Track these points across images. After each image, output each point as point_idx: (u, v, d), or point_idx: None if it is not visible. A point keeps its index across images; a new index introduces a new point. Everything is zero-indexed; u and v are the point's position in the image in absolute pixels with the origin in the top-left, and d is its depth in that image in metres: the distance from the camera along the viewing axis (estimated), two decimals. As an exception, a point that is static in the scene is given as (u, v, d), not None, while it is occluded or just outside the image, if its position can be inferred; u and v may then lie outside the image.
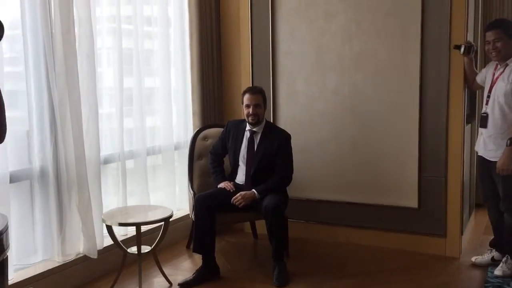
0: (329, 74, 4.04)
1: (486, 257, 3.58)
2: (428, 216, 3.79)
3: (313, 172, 4.13)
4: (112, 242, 3.26)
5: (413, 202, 3.82)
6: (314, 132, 4.12)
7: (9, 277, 2.71)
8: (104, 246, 3.41)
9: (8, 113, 2.87)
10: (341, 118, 4.02)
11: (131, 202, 3.75)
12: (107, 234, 3.22)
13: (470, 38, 3.79)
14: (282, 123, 4.14)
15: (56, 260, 3.17)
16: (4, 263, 2.13)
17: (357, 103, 3.96)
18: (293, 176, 3.64)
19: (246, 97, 3.55)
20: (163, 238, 3.27)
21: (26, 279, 2.92)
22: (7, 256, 2.16)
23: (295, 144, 3.76)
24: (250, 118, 3.54)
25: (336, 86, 4.02)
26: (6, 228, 2.08)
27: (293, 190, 3.84)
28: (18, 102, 3.09)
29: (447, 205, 3.72)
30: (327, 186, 4.11)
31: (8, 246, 2.12)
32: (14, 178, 2.95)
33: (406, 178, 3.83)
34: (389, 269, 3.56)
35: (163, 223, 3.22)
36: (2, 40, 2.80)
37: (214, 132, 4.03)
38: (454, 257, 3.72)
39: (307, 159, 4.11)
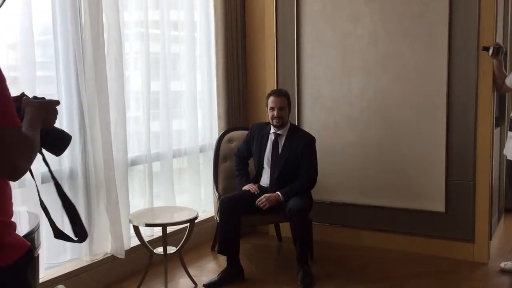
0: (354, 77, 4.03)
1: (515, 263, 3.51)
2: (455, 220, 3.73)
3: (338, 175, 4.12)
4: (139, 243, 3.33)
5: (440, 206, 3.76)
6: (339, 135, 4.11)
7: (40, 275, 2.79)
8: (131, 246, 3.48)
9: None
10: (367, 121, 4.00)
11: (158, 204, 3.81)
12: (134, 234, 3.28)
13: (499, 39, 3.72)
14: (307, 126, 4.14)
15: (85, 260, 3.25)
16: (35, 261, 2.19)
17: (383, 106, 3.94)
18: (318, 179, 3.64)
19: (271, 99, 3.57)
20: (188, 239, 3.32)
21: (56, 277, 3.00)
22: (39, 254, 2.23)
23: (320, 147, 3.75)
24: (274, 121, 3.56)
25: (362, 89, 4.01)
26: (37, 227, 2.16)
27: (318, 193, 3.84)
28: (50, 105, 3.18)
29: (475, 209, 3.66)
30: (353, 190, 4.09)
31: (39, 245, 2.20)
32: (44, 179, 3.03)
33: (433, 181, 3.78)
34: (414, 274, 3.52)
35: (188, 224, 3.27)
36: (35, 45, 2.91)
37: (239, 134, 4.06)
38: (482, 262, 3.65)
39: (332, 162, 4.10)
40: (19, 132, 1.23)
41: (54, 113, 1.44)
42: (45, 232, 2.98)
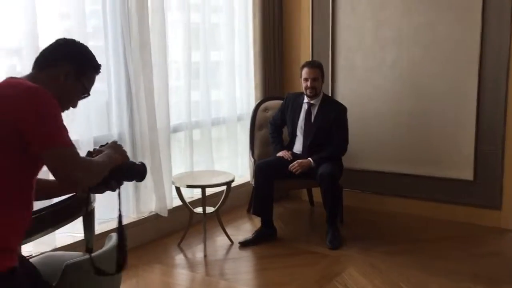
0: (387, 48, 4.11)
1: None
2: (483, 188, 3.83)
3: (369, 144, 4.26)
4: (180, 203, 3.61)
5: (468, 174, 3.86)
6: (371, 105, 4.23)
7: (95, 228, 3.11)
8: (173, 206, 3.77)
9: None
10: (399, 91, 4.10)
11: (197, 169, 4.07)
12: (176, 195, 3.56)
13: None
14: (340, 96, 4.27)
15: (132, 217, 3.57)
16: (91, 214, 2.50)
17: (415, 76, 4.02)
18: (350, 147, 3.80)
19: (305, 71, 3.72)
20: (225, 200, 3.58)
21: (108, 231, 3.31)
22: (94, 207, 2.53)
23: (353, 116, 3.90)
24: (308, 91, 3.72)
25: (395, 60, 4.09)
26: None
27: (350, 161, 4.01)
28: (99, 75, 3.43)
29: (503, 178, 3.74)
30: (383, 158, 4.23)
31: (94, 199, 2.49)
32: (96, 143, 3.33)
33: (462, 150, 3.87)
34: (440, 237, 3.68)
35: (225, 186, 3.52)
36: (86, 16, 3.12)
37: (275, 104, 4.23)
38: (509, 229, 3.75)
39: (364, 132, 4.23)
40: (69, 149, 1.48)
41: (121, 152, 1.70)
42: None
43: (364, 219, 4.12)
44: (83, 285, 1.87)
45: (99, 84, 3.40)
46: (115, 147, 1.70)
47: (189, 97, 3.97)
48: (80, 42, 1.75)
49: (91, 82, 1.74)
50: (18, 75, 2.87)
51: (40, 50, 2.92)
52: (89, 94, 1.74)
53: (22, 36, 2.84)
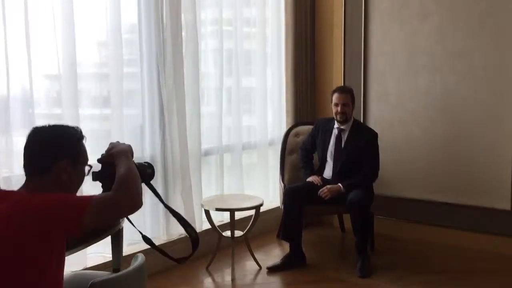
0: (421, 74, 4.07)
1: None
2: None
3: (402, 170, 4.19)
4: (209, 226, 3.63)
5: (505, 204, 3.73)
6: (404, 131, 4.18)
7: (124, 249, 3.16)
8: (202, 229, 3.79)
9: (126, 111, 3.36)
10: (432, 117, 4.04)
11: (227, 192, 4.10)
12: (205, 219, 3.59)
13: None
14: (372, 122, 4.25)
15: (162, 238, 3.61)
16: (119, 233, 2.55)
17: (449, 102, 3.96)
18: (383, 173, 3.75)
19: (335, 96, 3.73)
20: (254, 224, 3.58)
21: (136, 252, 3.36)
22: (122, 227, 2.58)
23: (384, 142, 3.86)
24: (338, 116, 3.71)
25: (428, 86, 4.05)
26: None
27: (382, 188, 3.95)
28: (134, 100, 3.56)
29: (542, 209, 3.60)
30: (416, 185, 4.14)
31: (123, 220, 2.54)
32: (129, 165, 3.42)
33: (499, 179, 3.75)
34: (475, 269, 3.54)
35: (254, 210, 3.52)
36: (123, 44, 3.26)
37: (306, 129, 4.24)
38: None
39: (397, 157, 4.17)
40: (95, 200, 1.51)
41: (123, 147, 1.75)
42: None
43: (396, 247, 4.02)
44: (107, 303, 1.89)
45: (134, 108, 3.55)
46: (118, 148, 1.73)
47: (221, 122, 4.03)
48: (50, 125, 1.67)
49: (86, 153, 1.70)
50: (55, 100, 2.96)
51: (78, 76, 3.06)
52: (91, 166, 1.72)
53: (61, 63, 2.98)
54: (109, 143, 1.78)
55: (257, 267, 3.58)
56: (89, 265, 3.10)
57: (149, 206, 3.58)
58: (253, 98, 4.46)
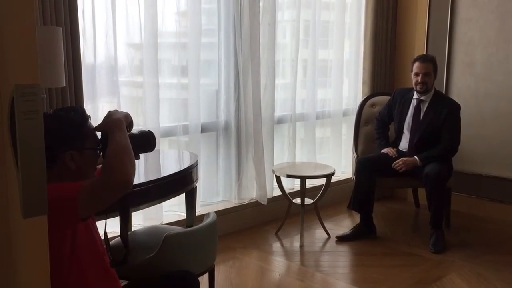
0: (513, 42, 3.78)
1: None
2: None
3: (486, 147, 3.96)
4: (280, 193, 3.66)
5: None
6: (490, 105, 3.92)
7: (197, 209, 3.29)
8: (273, 195, 3.84)
9: (203, 80, 3.42)
10: (523, 90, 3.75)
11: (299, 161, 4.10)
12: (277, 186, 3.62)
13: None
14: (455, 93, 4.03)
15: (233, 202, 3.71)
16: (193, 191, 2.65)
17: (543, 74, 3.65)
18: (463, 148, 3.56)
19: (416, 65, 3.56)
20: (325, 192, 3.56)
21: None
22: (196, 186, 2.68)
23: (467, 115, 3.66)
24: (418, 87, 3.55)
25: (520, 56, 3.76)
26: (196, 164, 2.60)
27: (462, 163, 3.77)
28: (211, 70, 3.63)
29: None
30: (500, 162, 3.90)
31: (197, 179, 2.64)
32: (204, 129, 3.52)
33: None
34: None
35: (325, 179, 3.50)
36: (202, 13, 3.31)
37: (382, 99, 4.10)
38: None
39: (480, 133, 3.95)
40: (83, 187, 1.42)
41: (117, 116, 1.57)
42: (202, 173, 3.48)
43: (474, 225, 3.84)
44: (179, 253, 1.99)
45: (211, 75, 3.62)
46: (112, 118, 1.56)
47: (295, 94, 4.00)
48: (50, 114, 1.56)
49: (93, 135, 1.58)
50: (137, 68, 3.01)
51: (159, 46, 3.13)
52: (100, 145, 1.58)
53: (143, 33, 3.08)
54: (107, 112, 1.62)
55: (326, 236, 3.59)
56: (165, 222, 3.26)
57: (222, 166, 3.68)
58: (329, 70, 4.38)
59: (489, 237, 3.61)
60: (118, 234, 1.93)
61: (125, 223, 1.90)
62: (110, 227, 1.71)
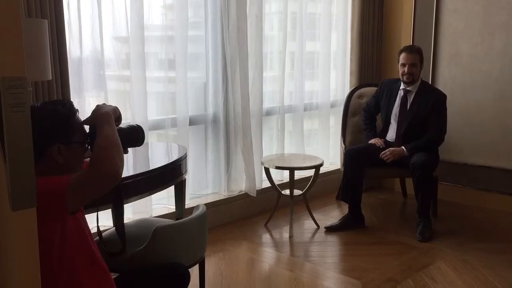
0: (498, 33, 3.83)
1: None
2: None
3: (471, 136, 4.01)
4: (269, 185, 3.68)
5: None
6: (476, 95, 3.97)
7: (186, 202, 3.29)
8: (262, 187, 3.86)
9: (190, 73, 3.41)
10: (508, 81, 3.80)
11: (288, 152, 4.12)
12: (266, 178, 3.64)
13: None
14: (441, 84, 4.07)
15: (223, 194, 3.72)
16: (182, 184, 2.66)
17: (527, 64, 3.70)
18: (449, 138, 3.61)
19: (402, 56, 3.59)
20: (313, 183, 3.59)
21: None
22: (185, 179, 2.68)
23: (453, 106, 3.70)
24: (405, 77, 3.58)
25: (505, 47, 3.80)
26: (185, 156, 2.60)
27: (448, 153, 3.81)
28: (199, 63, 3.61)
29: None
30: (486, 152, 3.96)
31: (186, 171, 2.64)
32: (192, 122, 3.52)
33: None
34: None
35: (314, 170, 3.52)
36: (188, 6, 3.29)
37: (370, 90, 4.13)
38: None
39: (466, 122, 4.00)
40: (73, 180, 1.42)
41: (105, 110, 1.56)
42: (191, 166, 3.48)
43: (460, 214, 3.89)
44: (169, 245, 2.00)
45: (198, 67, 3.61)
46: (100, 112, 1.55)
47: (283, 86, 4.00)
48: (37, 107, 1.53)
49: (81, 128, 1.57)
50: (124, 62, 2.96)
51: (145, 39, 3.10)
52: (88, 139, 1.57)
53: (130, 26, 3.05)
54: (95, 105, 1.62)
55: (315, 226, 3.61)
56: (154, 215, 3.26)
57: (211, 159, 3.69)
58: (316, 62, 4.39)
59: (475, 225, 3.67)
60: (109, 227, 1.93)
61: (121, 212, 1.90)
62: (100, 220, 1.71)
